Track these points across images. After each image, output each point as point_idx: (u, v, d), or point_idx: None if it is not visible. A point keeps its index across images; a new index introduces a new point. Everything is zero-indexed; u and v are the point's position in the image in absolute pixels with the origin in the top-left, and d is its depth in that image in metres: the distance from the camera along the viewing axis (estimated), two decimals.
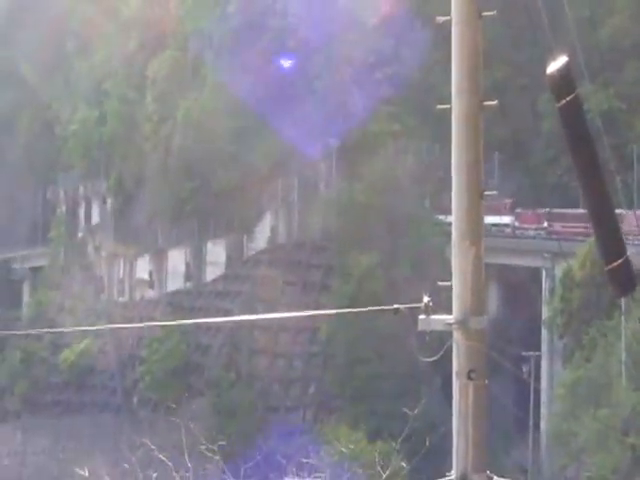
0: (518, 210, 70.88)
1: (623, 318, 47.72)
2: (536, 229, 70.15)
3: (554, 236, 65.75)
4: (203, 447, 27.59)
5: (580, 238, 61.03)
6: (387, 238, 73.03)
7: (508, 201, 66.92)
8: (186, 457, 25.42)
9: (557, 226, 66.22)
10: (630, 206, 49.05)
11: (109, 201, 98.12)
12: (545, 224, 69.19)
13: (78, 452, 78.22)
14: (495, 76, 53.14)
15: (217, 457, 27.03)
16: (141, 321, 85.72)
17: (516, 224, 71.10)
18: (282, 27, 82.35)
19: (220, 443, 29.11)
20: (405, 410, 26.31)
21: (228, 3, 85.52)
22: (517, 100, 69.38)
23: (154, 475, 26.67)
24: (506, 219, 68.67)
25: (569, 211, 66.96)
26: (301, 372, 76.98)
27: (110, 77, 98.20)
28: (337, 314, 65.33)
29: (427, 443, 25.96)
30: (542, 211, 70.03)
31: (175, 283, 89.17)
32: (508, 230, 69.26)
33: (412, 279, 65.00)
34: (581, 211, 63.98)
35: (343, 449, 44.41)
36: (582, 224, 63.53)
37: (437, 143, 66.69)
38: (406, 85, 75.68)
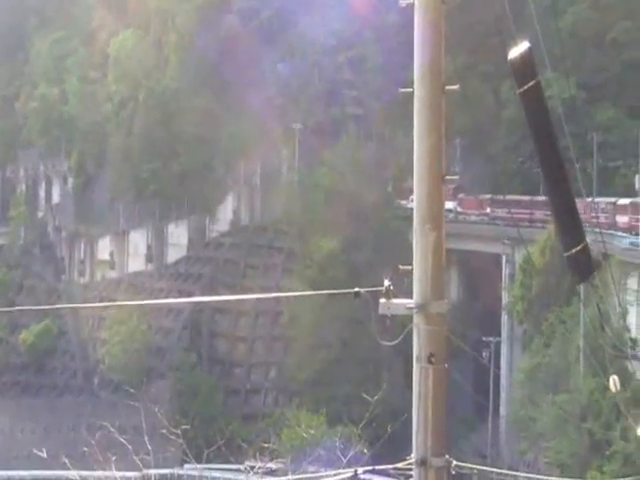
0: (461, 196, 71.52)
1: (582, 305, 48.11)
2: (478, 215, 70.99)
3: (497, 222, 66.79)
4: (165, 430, 27.47)
5: (525, 224, 61.91)
6: (349, 222, 73.09)
7: (451, 187, 67.23)
8: (146, 439, 25.27)
9: (500, 212, 67.02)
10: (589, 194, 49.47)
11: (70, 180, 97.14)
12: (488, 210, 70.04)
13: (37, 433, 77.70)
14: (457, 62, 53.23)
15: (180, 440, 26.93)
16: (102, 302, 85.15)
17: (459, 209, 71.74)
18: (246, 8, 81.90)
19: (184, 427, 29.03)
20: (365, 395, 26.34)
21: None
22: (479, 87, 69.67)
23: (113, 458, 26.51)
24: (449, 205, 69.08)
25: (513, 197, 67.70)
26: (262, 356, 76.95)
27: (71, 55, 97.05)
28: (299, 298, 65.31)
29: (388, 428, 26.01)
30: (485, 197, 70.92)
31: (136, 264, 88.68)
32: (451, 215, 69.85)
33: (374, 264, 65.15)
34: (525, 198, 64.96)
35: (304, 434, 44.54)
36: (526, 210, 64.36)
37: (400, 128, 66.75)
38: (369, 69, 75.63)
